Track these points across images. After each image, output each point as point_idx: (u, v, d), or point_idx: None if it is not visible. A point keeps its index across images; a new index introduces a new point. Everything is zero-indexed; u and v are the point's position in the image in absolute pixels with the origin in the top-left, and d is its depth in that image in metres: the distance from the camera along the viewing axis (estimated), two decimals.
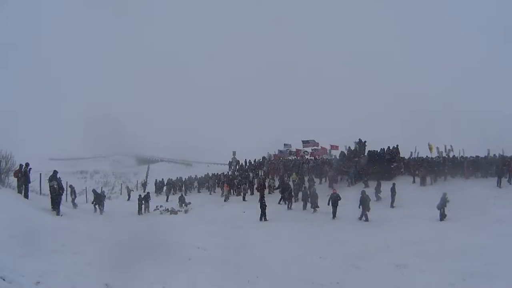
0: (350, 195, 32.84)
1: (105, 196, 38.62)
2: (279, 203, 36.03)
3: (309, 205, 33.15)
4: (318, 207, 32.34)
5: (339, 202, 29.90)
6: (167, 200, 45.35)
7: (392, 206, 30.81)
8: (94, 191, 33.74)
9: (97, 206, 32.26)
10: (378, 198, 33.49)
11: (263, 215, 31.14)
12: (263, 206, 31.42)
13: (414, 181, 37.18)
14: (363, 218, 28.95)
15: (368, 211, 29.04)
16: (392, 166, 39.70)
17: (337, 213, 29.67)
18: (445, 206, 25.65)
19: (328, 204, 30.08)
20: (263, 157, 54.94)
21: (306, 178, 40.99)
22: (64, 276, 12.18)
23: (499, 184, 31.19)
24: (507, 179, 32.36)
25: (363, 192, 30.07)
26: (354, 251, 21.37)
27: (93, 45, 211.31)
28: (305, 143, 51.94)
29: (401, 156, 41.31)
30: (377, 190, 34.03)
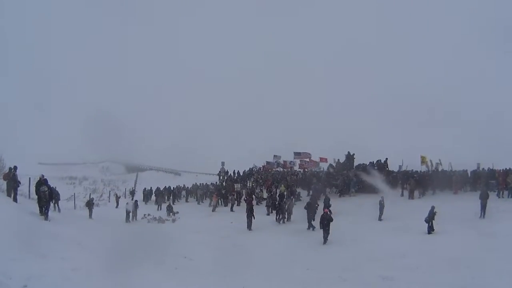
0: (340, 206, 33.10)
1: (93, 203, 38.50)
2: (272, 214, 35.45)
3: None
4: (289, 220, 33.49)
5: (331, 224, 26.40)
6: (159, 209, 45.17)
7: (380, 219, 30.82)
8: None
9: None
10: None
11: (250, 225, 31.69)
12: (250, 217, 31.95)
13: (402, 194, 37.36)
14: (310, 228, 30.12)
15: (314, 220, 30.05)
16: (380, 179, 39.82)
17: (328, 237, 26.19)
18: (433, 219, 25.68)
19: (320, 227, 26.75)
20: (251, 168, 54.91)
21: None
22: (51, 281, 12.19)
23: (483, 213, 27.95)
24: (495, 193, 32.68)
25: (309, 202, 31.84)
26: (341, 263, 21.40)
27: (85, 49, 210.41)
28: (297, 154, 51.96)
29: (389, 169, 41.39)
30: (326, 204, 33.99)
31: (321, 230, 26.48)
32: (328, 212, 27.36)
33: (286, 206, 34.84)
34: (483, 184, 33.57)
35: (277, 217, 34.25)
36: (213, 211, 42.20)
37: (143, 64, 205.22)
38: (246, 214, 32.34)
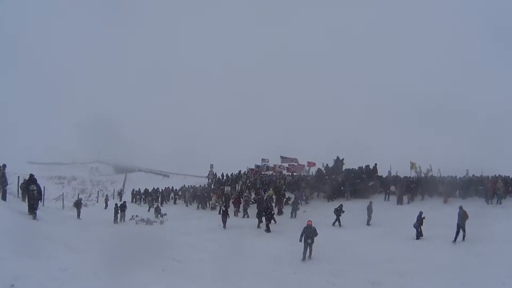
0: (330, 210, 33.08)
1: (82, 203, 38.45)
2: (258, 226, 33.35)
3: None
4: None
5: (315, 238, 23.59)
6: (150, 211, 45.02)
7: (368, 224, 30.87)
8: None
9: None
10: (293, 215, 35.99)
11: (224, 224, 33.29)
12: (224, 215, 33.77)
13: (388, 199, 37.68)
14: (265, 229, 31.81)
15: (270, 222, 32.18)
16: (369, 184, 39.81)
17: (312, 252, 23.62)
18: (422, 225, 25.74)
19: (301, 240, 23.56)
20: (239, 171, 54.74)
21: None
22: (38, 281, 12.12)
23: (462, 236, 24.62)
24: (484, 199, 33.01)
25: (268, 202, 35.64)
26: (329, 267, 21.44)
27: (78, 50, 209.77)
28: (284, 158, 51.90)
29: (378, 174, 41.38)
30: (294, 207, 36.46)
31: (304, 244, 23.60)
32: (312, 224, 23.84)
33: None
34: (466, 195, 34.02)
35: (259, 224, 33.28)
36: (212, 209, 42.25)
37: (135, 65, 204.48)
38: (221, 214, 34.67)
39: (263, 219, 32.47)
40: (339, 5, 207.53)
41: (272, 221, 33.08)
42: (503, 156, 36.74)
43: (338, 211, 31.91)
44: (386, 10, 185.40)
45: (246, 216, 38.11)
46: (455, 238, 24.57)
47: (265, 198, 38.44)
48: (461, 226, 24.64)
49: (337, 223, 31.72)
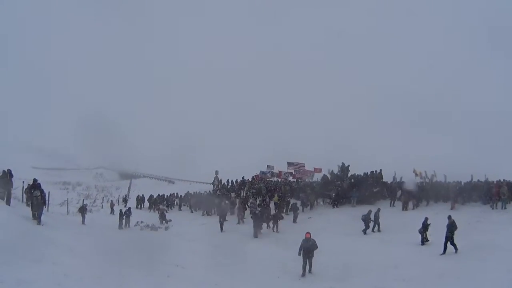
0: (334, 217, 33.04)
1: (86, 209, 38.42)
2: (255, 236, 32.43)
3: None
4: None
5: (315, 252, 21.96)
6: (161, 218, 44.89)
7: (373, 230, 30.73)
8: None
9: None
10: (294, 220, 36.32)
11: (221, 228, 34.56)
12: (221, 221, 34.91)
13: (393, 205, 37.57)
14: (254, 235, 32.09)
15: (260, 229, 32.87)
16: (374, 190, 39.69)
17: (312, 266, 21.95)
18: (427, 231, 25.65)
19: (299, 253, 21.82)
20: (243, 177, 54.49)
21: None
22: (43, 286, 12.14)
23: (451, 248, 23.22)
24: (489, 204, 32.83)
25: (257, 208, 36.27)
26: (334, 273, 21.32)
27: (77, 51, 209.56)
28: (290, 164, 51.69)
29: (384, 180, 41.27)
30: (294, 213, 37.13)
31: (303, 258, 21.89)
32: (310, 236, 22.12)
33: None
34: (471, 200, 34.13)
35: (255, 231, 32.96)
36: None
37: (138, 70, 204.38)
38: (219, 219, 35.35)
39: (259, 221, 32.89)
40: (339, 5, 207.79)
41: (265, 226, 33.76)
42: (508, 161, 36.70)
43: (367, 218, 30.94)
44: (384, 10, 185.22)
45: (241, 222, 38.24)
46: (444, 251, 23.16)
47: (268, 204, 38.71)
48: (449, 238, 23.25)
49: (369, 229, 30.90)
